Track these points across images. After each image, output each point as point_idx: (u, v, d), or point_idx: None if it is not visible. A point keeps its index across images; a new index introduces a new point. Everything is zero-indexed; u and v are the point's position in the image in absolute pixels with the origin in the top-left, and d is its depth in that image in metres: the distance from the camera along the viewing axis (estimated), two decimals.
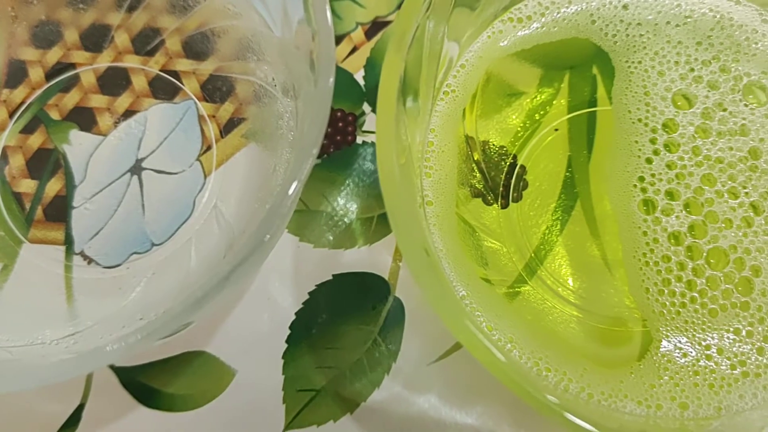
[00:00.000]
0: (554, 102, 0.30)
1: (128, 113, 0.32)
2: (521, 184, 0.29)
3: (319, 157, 0.33)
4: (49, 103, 0.32)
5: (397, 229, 0.23)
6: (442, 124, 0.29)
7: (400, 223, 0.23)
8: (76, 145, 0.31)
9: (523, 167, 0.29)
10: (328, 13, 0.25)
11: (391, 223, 0.23)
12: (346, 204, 0.32)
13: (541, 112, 0.30)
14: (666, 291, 0.26)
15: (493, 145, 0.30)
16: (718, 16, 0.30)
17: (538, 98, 0.30)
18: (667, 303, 0.26)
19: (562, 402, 0.23)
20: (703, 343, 0.26)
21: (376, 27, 0.35)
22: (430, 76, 0.28)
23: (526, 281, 0.28)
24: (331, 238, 0.32)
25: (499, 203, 0.29)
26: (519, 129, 0.30)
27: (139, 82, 0.32)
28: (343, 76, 0.34)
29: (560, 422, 0.22)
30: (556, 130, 0.30)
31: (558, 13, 0.30)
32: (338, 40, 0.35)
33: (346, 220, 0.32)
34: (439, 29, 0.27)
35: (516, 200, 0.29)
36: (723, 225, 0.27)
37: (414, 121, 0.27)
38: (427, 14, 0.26)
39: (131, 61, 0.32)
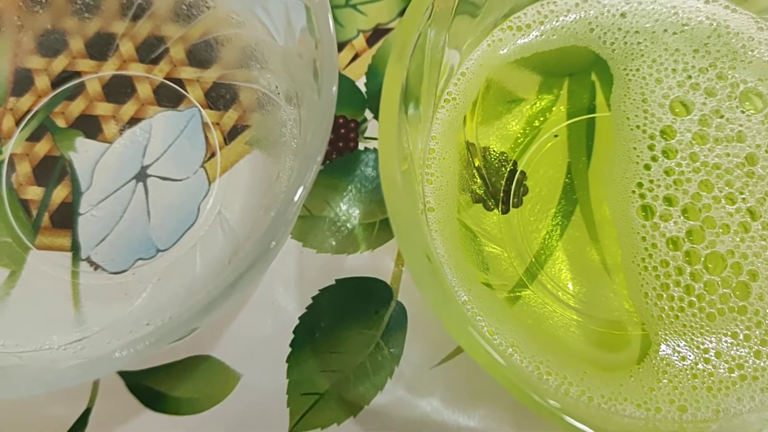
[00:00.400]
0: (554, 108, 0.31)
1: (133, 121, 0.32)
2: (521, 189, 0.30)
3: (321, 163, 0.33)
4: (55, 111, 0.32)
5: (400, 235, 0.23)
6: (443, 131, 0.29)
7: (402, 229, 0.23)
8: (82, 152, 0.32)
9: (523, 173, 0.30)
10: (331, 22, 0.25)
11: (394, 229, 0.23)
12: (348, 209, 0.33)
13: (541, 119, 0.31)
14: (664, 295, 0.27)
15: (494, 151, 0.30)
16: (714, 24, 0.30)
17: (537, 105, 0.31)
18: (666, 307, 0.27)
19: (562, 406, 0.23)
20: (702, 347, 0.26)
21: (377, 34, 0.36)
22: (432, 84, 0.28)
23: (527, 286, 0.29)
24: (333, 243, 0.32)
25: (499, 209, 0.29)
26: (519, 135, 0.30)
27: (144, 90, 0.33)
28: (345, 83, 0.35)
29: (561, 426, 0.22)
30: (556, 136, 0.30)
31: (557, 21, 0.31)
32: (340, 47, 0.35)
33: (348, 225, 0.33)
34: (440, 38, 0.28)
35: (516, 206, 0.30)
36: (720, 230, 0.27)
37: (415, 129, 0.27)
38: (428, 23, 0.26)
39: (136, 69, 0.33)
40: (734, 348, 0.26)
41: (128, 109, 0.32)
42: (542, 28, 0.31)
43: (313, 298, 0.32)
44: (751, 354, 0.26)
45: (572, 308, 0.28)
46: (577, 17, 0.31)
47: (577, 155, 0.30)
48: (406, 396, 0.30)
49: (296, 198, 0.24)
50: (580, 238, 0.29)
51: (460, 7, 0.28)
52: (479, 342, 0.22)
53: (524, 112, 0.31)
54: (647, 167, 0.28)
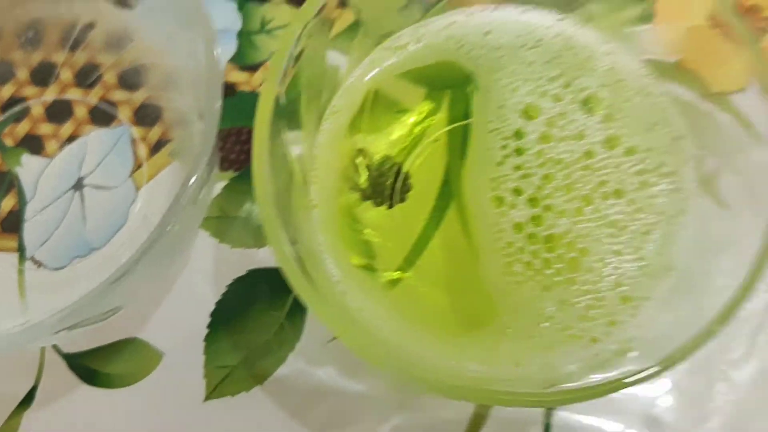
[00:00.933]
0: (436, 117, 0.35)
1: (71, 138, 0.37)
2: (405, 188, 0.34)
3: (237, 170, 0.38)
4: (4, 132, 0.37)
5: (265, 227, 0.28)
6: (330, 140, 0.34)
7: (266, 222, 0.28)
8: (27, 167, 0.37)
9: (407, 174, 0.34)
10: (215, 51, 0.30)
11: (263, 223, 0.28)
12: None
13: (425, 126, 0.35)
14: (509, 272, 0.31)
15: (381, 155, 0.34)
16: (565, 40, 0.35)
17: (422, 114, 0.35)
18: (510, 282, 0.31)
19: (413, 366, 0.28)
20: (538, 313, 0.30)
21: None
22: (313, 97, 0.33)
23: (406, 270, 0.33)
24: (246, 239, 0.37)
25: (386, 205, 0.34)
26: (404, 141, 0.35)
27: (81, 112, 0.38)
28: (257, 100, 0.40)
29: (412, 379, 0.27)
30: (436, 141, 0.35)
31: (430, 40, 0.35)
32: (255, 68, 0.40)
33: (259, 223, 0.37)
34: (319, 55, 0.32)
35: (400, 202, 0.34)
36: (558, 215, 0.32)
37: (296, 138, 0.32)
38: (308, 41, 0.31)
39: (74, 94, 0.38)
40: (565, 313, 0.30)
41: (67, 128, 0.37)
42: (417, 46, 0.35)
43: (227, 286, 0.36)
44: (578, 318, 0.30)
45: (441, 288, 0.33)
46: (448, 35, 0.35)
47: (454, 157, 0.34)
48: (305, 367, 0.35)
49: (189, 184, 0.29)
50: (453, 228, 0.33)
51: (339, 31, 0.33)
52: (329, 309, 0.27)
53: (409, 121, 0.35)
54: (500, 164, 0.33)
